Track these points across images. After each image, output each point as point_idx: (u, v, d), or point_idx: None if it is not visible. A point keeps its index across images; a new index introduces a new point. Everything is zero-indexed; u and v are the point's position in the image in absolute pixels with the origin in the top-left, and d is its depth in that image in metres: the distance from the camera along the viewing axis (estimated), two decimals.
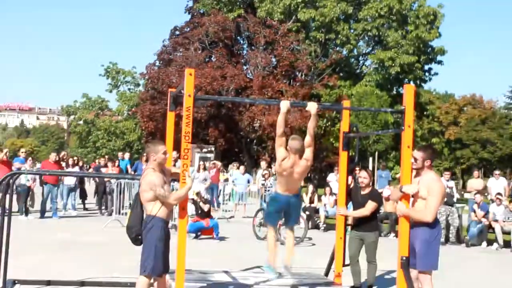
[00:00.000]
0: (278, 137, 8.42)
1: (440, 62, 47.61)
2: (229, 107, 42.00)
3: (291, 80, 45.47)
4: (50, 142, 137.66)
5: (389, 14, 44.42)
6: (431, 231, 7.54)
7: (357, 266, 9.72)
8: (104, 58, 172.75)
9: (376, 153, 35.37)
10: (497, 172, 22.86)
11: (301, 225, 17.59)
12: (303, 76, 44.72)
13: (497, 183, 21.05)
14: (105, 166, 23.45)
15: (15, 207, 20.48)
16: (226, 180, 27.13)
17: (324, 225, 19.59)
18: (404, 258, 7.64)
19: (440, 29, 45.39)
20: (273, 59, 44.95)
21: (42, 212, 19.71)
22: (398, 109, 8.87)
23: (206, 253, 13.44)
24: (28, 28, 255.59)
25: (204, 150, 38.98)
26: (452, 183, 19.35)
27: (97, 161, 24.68)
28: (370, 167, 33.19)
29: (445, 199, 17.31)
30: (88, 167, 38.28)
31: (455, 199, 18.93)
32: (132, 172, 22.27)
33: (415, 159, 7.68)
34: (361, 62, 51.05)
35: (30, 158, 22.65)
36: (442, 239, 17.06)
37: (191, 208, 16.60)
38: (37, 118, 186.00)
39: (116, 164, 23.46)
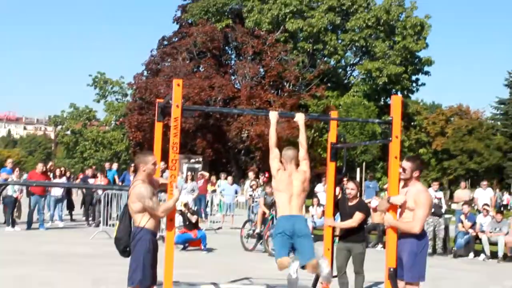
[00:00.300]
0: (272, 149, 7.93)
1: (427, 73, 47.83)
2: (217, 117, 41.97)
3: (279, 91, 45.50)
4: (37, 152, 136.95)
5: (376, 25, 44.62)
6: (418, 243, 7.54)
7: (345, 278, 9.71)
8: (92, 68, 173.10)
9: (364, 163, 35.42)
10: (484, 182, 22.94)
11: None
12: (291, 86, 44.75)
13: (484, 194, 21.13)
14: (93, 176, 23.36)
15: (1, 218, 20.46)
16: (214, 191, 27.13)
17: (312, 236, 19.54)
18: (391, 269, 7.64)
19: (427, 40, 45.64)
20: (261, 69, 44.97)
21: (29, 223, 19.61)
22: (385, 120, 8.89)
23: (194, 265, 13.40)
24: (15, 38, 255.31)
25: (192, 160, 38.97)
26: (440, 194, 19.38)
27: (87, 171, 24.51)
28: (358, 178, 33.21)
29: (433, 210, 17.41)
30: (75, 177, 38.14)
31: (443, 210, 18.97)
32: (120, 183, 22.19)
33: (404, 169, 7.67)
34: (348, 72, 51.19)
35: (17, 169, 22.54)
36: (430, 250, 17.09)
37: (178, 219, 16.53)
38: (24, 128, 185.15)
39: (105, 174, 23.37)
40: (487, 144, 65.65)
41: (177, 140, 7.40)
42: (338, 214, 10.04)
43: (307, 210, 20.64)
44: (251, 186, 23.06)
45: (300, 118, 8.15)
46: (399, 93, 45.04)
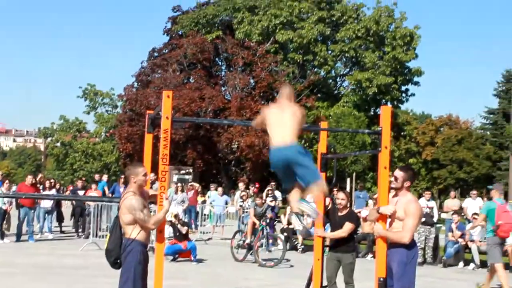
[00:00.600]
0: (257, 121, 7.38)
1: (416, 83, 48.06)
2: (207, 128, 41.97)
3: (269, 101, 45.44)
4: (27, 164, 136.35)
5: (366, 36, 44.84)
6: (408, 252, 7.56)
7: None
8: (82, 80, 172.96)
9: (354, 173, 35.52)
10: (474, 192, 23.01)
11: (279, 246, 17.62)
12: None
13: (474, 203, 21.19)
14: (83, 188, 23.29)
15: None
16: (204, 202, 27.12)
17: (302, 246, 19.58)
18: (381, 279, 7.63)
19: (417, 50, 45.94)
20: (251, 80, 45.05)
21: (18, 235, 19.52)
22: (375, 130, 8.91)
23: (184, 276, 13.39)
24: (4, 49, 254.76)
25: (182, 171, 38.91)
26: (432, 203, 19.45)
27: (79, 183, 24.42)
28: (348, 188, 33.33)
29: (424, 219, 17.48)
30: (64, 189, 38.02)
31: (435, 219, 19.02)
32: (110, 195, 22.14)
33: (396, 178, 7.68)
34: (338, 83, 51.36)
35: (6, 181, 22.46)
36: (420, 259, 17.13)
37: (168, 230, 16.53)
38: (14, 140, 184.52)
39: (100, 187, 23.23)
40: (476, 153, 65.83)
41: (167, 151, 7.40)
42: (328, 224, 10.07)
43: None
44: (241, 197, 23.06)
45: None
46: (389, 103, 45.26)
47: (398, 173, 7.72)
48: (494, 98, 69.15)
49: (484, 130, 71.90)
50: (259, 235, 16.61)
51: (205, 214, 26.71)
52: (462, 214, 21.27)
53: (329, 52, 46.44)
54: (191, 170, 39.87)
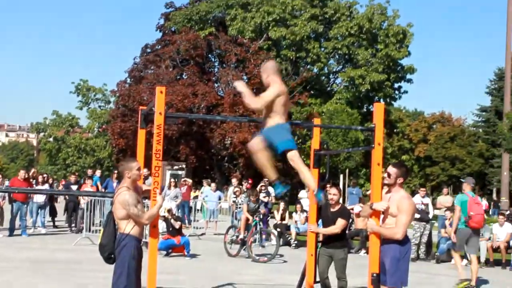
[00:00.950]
0: (261, 101, 7.62)
1: (409, 81, 48.14)
2: (200, 124, 41.95)
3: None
4: (20, 159, 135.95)
5: (359, 33, 44.89)
6: (401, 248, 7.60)
7: (327, 283, 9.74)
8: (75, 75, 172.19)
9: (347, 170, 35.55)
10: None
11: (272, 242, 17.67)
12: None
13: None
14: (76, 183, 23.27)
15: None
16: (196, 197, 27.14)
17: (296, 242, 19.62)
18: (374, 275, 7.67)
19: (410, 48, 45.95)
20: (244, 77, 45.01)
21: (11, 230, 19.50)
22: (368, 127, 8.94)
23: (177, 271, 13.41)
24: None
25: (175, 167, 38.91)
26: (427, 200, 19.46)
27: (72, 178, 24.36)
28: (341, 184, 33.34)
29: (419, 216, 17.55)
30: (57, 184, 38.00)
31: (430, 216, 19.08)
32: (103, 190, 22.13)
33: (389, 175, 7.72)
34: (331, 80, 51.38)
35: None
36: (413, 255, 17.20)
37: (162, 226, 16.54)
38: (6, 135, 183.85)
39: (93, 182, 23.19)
40: (469, 151, 66.11)
41: (160, 147, 7.43)
42: (320, 220, 10.09)
43: (290, 216, 20.72)
44: (234, 193, 23.10)
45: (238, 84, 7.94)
46: (381, 100, 45.28)
47: (391, 169, 7.76)
48: (487, 96, 69.53)
49: (476, 128, 72.19)
50: (252, 230, 16.65)
51: (197, 210, 26.73)
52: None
53: (322, 49, 46.45)
54: (184, 166, 39.87)
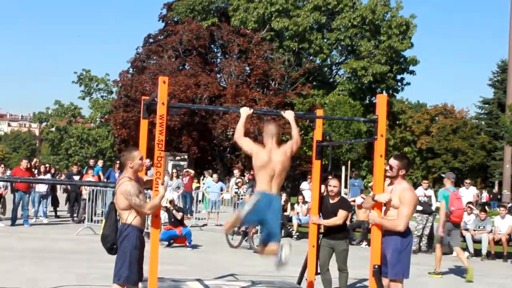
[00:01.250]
0: (240, 139, 7.60)
1: (412, 72, 48.12)
2: (202, 115, 41.96)
3: (265, 89, 45.54)
4: (22, 149, 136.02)
5: (362, 24, 44.85)
6: (402, 240, 7.59)
7: (328, 275, 9.72)
8: (77, 65, 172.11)
9: (349, 161, 35.55)
10: (467, 181, 23.08)
11: None
12: (277, 84, 44.80)
13: (467, 192, 21.25)
14: (78, 173, 23.25)
15: None
16: (198, 187, 27.14)
17: (297, 234, 19.61)
18: (376, 266, 7.67)
19: (412, 40, 45.92)
20: (247, 68, 45.03)
21: (13, 219, 19.51)
22: (370, 118, 8.92)
23: (179, 261, 13.42)
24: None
25: (177, 158, 38.95)
26: (430, 192, 19.39)
27: (74, 168, 24.33)
28: (343, 176, 33.35)
29: (422, 208, 17.54)
30: (60, 174, 38.01)
31: (433, 208, 19.05)
32: (105, 180, 22.12)
33: (391, 167, 7.70)
34: (334, 71, 51.39)
35: (1, 165, 22.42)
36: (415, 248, 17.20)
37: (164, 216, 16.54)
38: (9, 125, 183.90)
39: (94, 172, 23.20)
40: (471, 143, 66.04)
41: (162, 137, 7.40)
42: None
43: (292, 208, 20.72)
44: (236, 184, 23.10)
45: (289, 114, 8.08)
46: (384, 92, 45.33)
47: (393, 161, 7.75)
48: (489, 88, 69.44)
49: (479, 120, 72.10)
50: None
51: (199, 200, 26.76)
52: None
53: (325, 40, 46.45)
54: (186, 157, 39.91)
